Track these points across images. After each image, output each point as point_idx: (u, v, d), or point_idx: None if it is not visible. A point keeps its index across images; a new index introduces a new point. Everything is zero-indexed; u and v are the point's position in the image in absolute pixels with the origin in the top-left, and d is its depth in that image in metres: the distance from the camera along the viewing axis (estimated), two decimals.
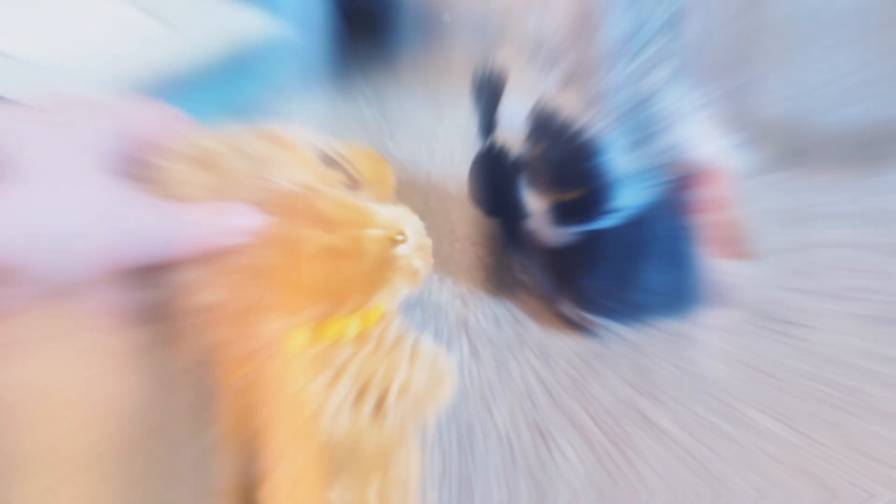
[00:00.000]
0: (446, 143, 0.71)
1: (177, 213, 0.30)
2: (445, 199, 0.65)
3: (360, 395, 0.36)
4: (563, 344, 0.53)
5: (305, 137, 0.34)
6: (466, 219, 0.63)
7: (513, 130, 0.43)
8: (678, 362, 0.51)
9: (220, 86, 0.68)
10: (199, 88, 0.66)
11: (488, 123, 0.45)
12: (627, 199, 0.43)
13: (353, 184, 0.36)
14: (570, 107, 0.40)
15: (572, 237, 0.49)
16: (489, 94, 0.43)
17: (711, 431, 0.46)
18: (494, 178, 0.45)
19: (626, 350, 0.52)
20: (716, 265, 0.54)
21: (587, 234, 0.48)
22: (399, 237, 0.32)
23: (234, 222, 0.30)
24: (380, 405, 0.36)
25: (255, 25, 0.70)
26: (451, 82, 0.78)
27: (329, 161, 0.35)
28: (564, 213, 0.44)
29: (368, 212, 0.32)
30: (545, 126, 0.41)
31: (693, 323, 0.53)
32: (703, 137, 0.40)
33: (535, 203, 0.45)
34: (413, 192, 0.66)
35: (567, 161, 0.41)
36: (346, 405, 0.35)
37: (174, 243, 0.29)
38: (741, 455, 0.45)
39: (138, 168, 0.31)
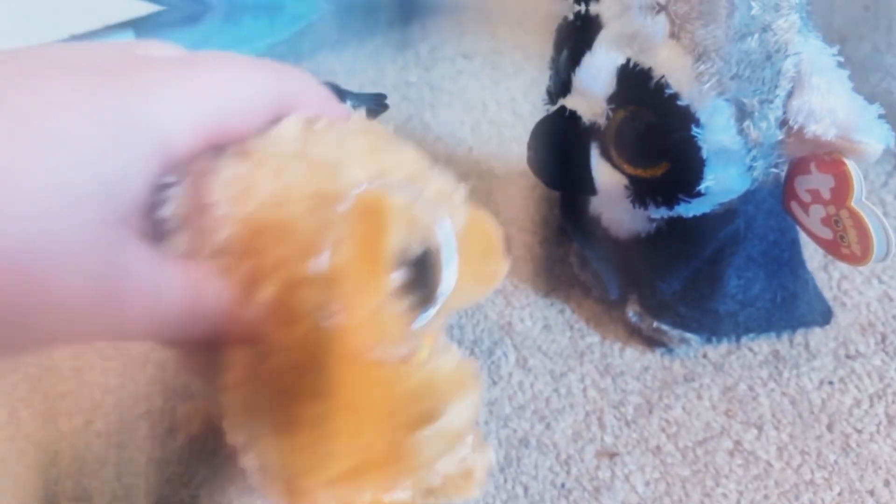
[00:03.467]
0: (496, 116, 0.67)
1: (183, 286, 0.25)
2: (489, 178, 0.62)
3: None
4: (632, 359, 0.49)
5: (413, 209, 0.28)
6: (513, 201, 0.60)
7: (592, 92, 0.39)
8: (777, 387, 0.47)
9: (246, 24, 0.66)
10: (216, 25, 0.63)
11: (563, 83, 0.41)
12: (724, 182, 0.38)
13: (427, 302, 0.29)
14: (670, 64, 0.35)
15: (649, 225, 0.45)
16: (573, 47, 0.39)
17: (820, 464, 0.43)
18: (560, 146, 0.40)
19: (710, 371, 0.48)
20: (829, 272, 0.50)
21: (668, 222, 0.44)
22: (430, 421, 0.27)
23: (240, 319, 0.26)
24: None
25: None
26: (519, 44, 0.74)
27: (414, 275, 0.29)
28: (643, 192, 0.40)
29: (405, 391, 0.27)
30: (635, 86, 0.36)
31: (795, 343, 0.49)
32: (832, 108, 0.34)
33: (606, 177, 0.40)
34: (451, 168, 0.62)
35: (655, 129, 0.37)
36: None
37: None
38: (853, 492, 0.42)
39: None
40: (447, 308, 0.31)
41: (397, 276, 0.27)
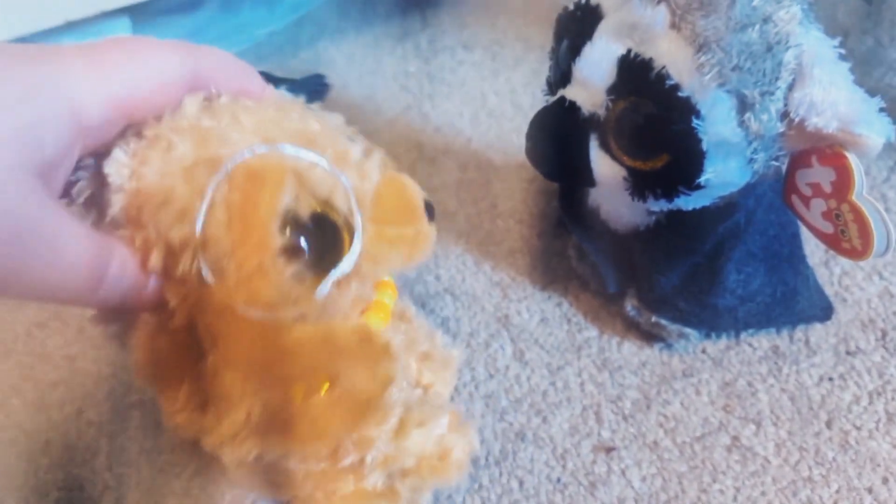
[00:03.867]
0: (495, 108, 0.67)
1: (93, 252, 0.26)
2: (487, 169, 0.62)
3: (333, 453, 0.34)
4: (630, 354, 0.49)
5: (309, 172, 0.29)
6: (511, 193, 0.60)
7: (592, 82, 0.38)
8: (777, 383, 0.47)
9: (244, 13, 0.65)
10: (214, 13, 0.63)
11: (563, 74, 0.40)
12: (724, 175, 0.38)
13: (329, 263, 0.30)
14: (670, 55, 0.35)
15: (648, 218, 0.45)
16: (574, 37, 0.39)
17: (818, 461, 0.44)
18: (560, 136, 0.40)
19: (709, 366, 0.48)
20: (829, 268, 0.50)
21: (667, 216, 0.44)
22: (315, 389, 0.27)
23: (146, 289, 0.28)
24: (356, 468, 0.35)
25: None
26: (519, 35, 0.74)
27: (312, 235, 0.29)
28: (642, 184, 0.39)
29: (286, 347, 0.27)
30: (635, 77, 0.36)
31: (795, 339, 0.49)
32: (834, 101, 0.34)
33: (605, 169, 0.40)
34: (449, 159, 0.63)
35: (655, 120, 0.36)
36: None
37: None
38: (850, 489, 0.42)
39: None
40: (368, 272, 0.32)
41: (286, 239, 0.28)
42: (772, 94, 0.35)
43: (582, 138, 0.40)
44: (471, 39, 0.74)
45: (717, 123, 0.35)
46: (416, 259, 0.35)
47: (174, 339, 0.28)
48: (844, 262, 0.51)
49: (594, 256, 0.49)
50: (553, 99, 0.41)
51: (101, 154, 0.28)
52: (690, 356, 0.48)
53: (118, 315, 0.30)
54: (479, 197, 0.59)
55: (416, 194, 0.35)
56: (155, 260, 0.27)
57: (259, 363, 0.27)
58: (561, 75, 0.41)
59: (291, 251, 0.28)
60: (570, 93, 0.40)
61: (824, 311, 0.48)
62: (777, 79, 0.35)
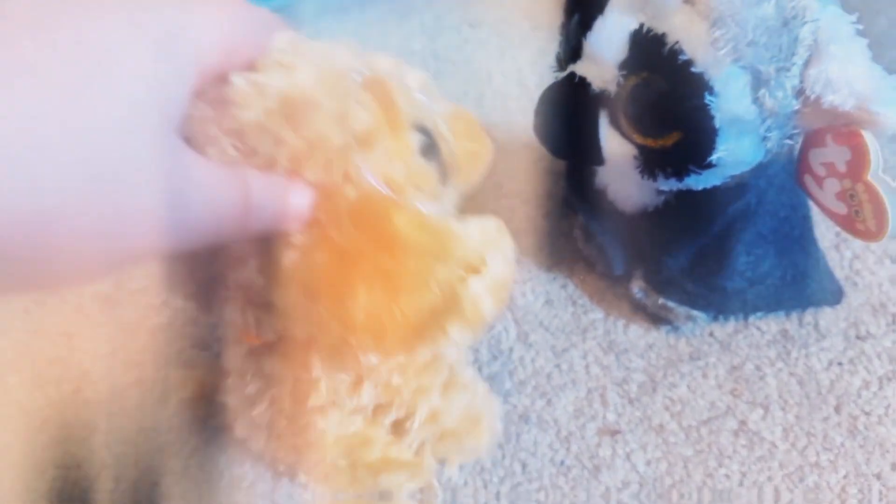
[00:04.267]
0: (501, 87, 0.67)
1: (237, 186, 0.26)
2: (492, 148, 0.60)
3: (382, 407, 0.36)
4: (636, 336, 0.49)
5: (410, 92, 0.31)
6: (517, 173, 0.59)
7: (603, 58, 0.38)
8: (785, 367, 0.47)
9: None
10: None
11: (573, 49, 0.40)
12: (736, 153, 0.37)
13: (444, 175, 0.33)
14: (684, 29, 0.35)
15: (656, 198, 0.44)
16: (585, 11, 0.39)
17: (826, 446, 0.43)
18: (568, 113, 0.40)
19: (716, 350, 0.48)
20: (840, 252, 0.50)
21: (676, 196, 0.43)
22: (476, 271, 0.29)
23: (292, 207, 0.28)
24: (401, 424, 0.38)
25: None
26: (527, 13, 0.73)
27: (426, 148, 0.32)
28: (652, 162, 0.39)
29: (450, 238, 0.29)
30: (648, 52, 0.36)
31: (805, 323, 0.48)
32: (850, 78, 0.34)
33: (615, 147, 0.40)
34: None
35: (667, 97, 0.36)
36: (362, 411, 0.36)
37: (226, 223, 0.27)
38: (859, 475, 0.42)
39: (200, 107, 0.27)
40: (458, 183, 0.35)
41: (417, 138, 0.31)
42: (787, 70, 0.35)
43: (591, 115, 0.39)
44: (477, 17, 0.73)
45: (731, 100, 0.35)
46: (482, 173, 0.38)
47: (333, 250, 0.28)
48: (855, 245, 0.51)
49: (601, 237, 0.49)
50: (562, 75, 0.40)
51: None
52: (698, 339, 0.48)
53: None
54: (485, 177, 0.58)
55: (474, 117, 0.38)
56: (313, 171, 0.28)
57: (443, 251, 0.28)
58: (571, 51, 0.40)
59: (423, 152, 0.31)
60: (580, 68, 0.39)
61: (834, 295, 0.48)
62: (793, 55, 0.34)
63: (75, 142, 0.21)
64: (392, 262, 0.27)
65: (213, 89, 0.27)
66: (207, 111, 0.27)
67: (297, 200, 0.28)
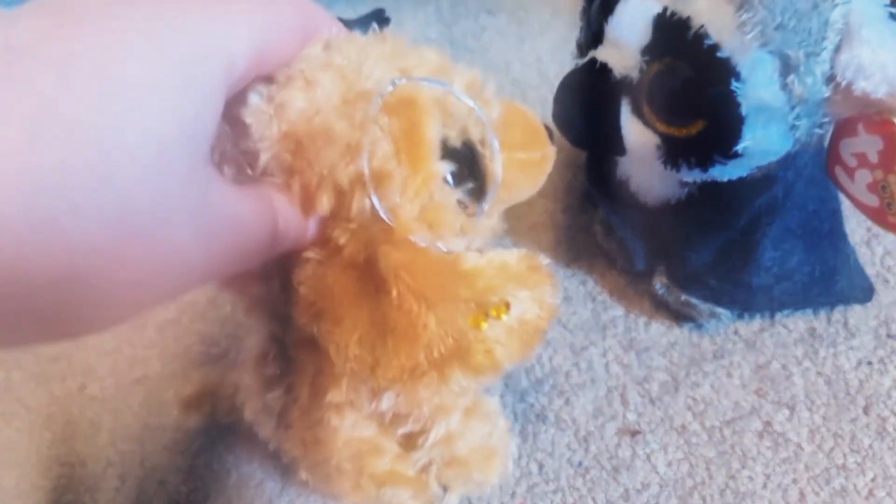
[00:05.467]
0: (520, 77, 0.67)
1: (267, 214, 0.26)
2: None
3: (399, 417, 0.35)
4: (658, 334, 0.49)
5: (447, 102, 0.30)
6: None
7: (625, 43, 0.38)
8: (812, 366, 0.46)
9: None
10: None
11: (594, 34, 0.40)
12: (763, 143, 0.37)
13: (483, 194, 0.31)
14: (710, 13, 0.35)
15: (680, 190, 0.44)
16: None
17: (853, 448, 0.43)
18: (589, 100, 0.40)
19: (741, 348, 0.48)
20: (871, 247, 0.50)
21: (701, 188, 0.43)
22: (494, 314, 0.28)
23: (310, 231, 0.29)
24: (413, 438, 0.37)
25: None
26: (548, 0, 0.73)
27: (464, 167, 0.30)
28: (675, 152, 0.39)
29: (456, 278, 0.28)
30: (671, 37, 0.36)
31: (833, 321, 0.48)
32: (883, 63, 0.33)
33: (637, 136, 0.40)
34: None
35: (692, 83, 0.36)
36: (378, 417, 0.35)
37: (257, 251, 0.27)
38: (887, 478, 0.42)
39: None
40: (502, 201, 0.33)
41: (444, 167, 0.29)
42: (817, 55, 0.34)
43: (613, 102, 0.39)
44: (495, 4, 0.73)
45: (758, 87, 0.35)
46: (541, 183, 0.37)
47: (345, 275, 0.28)
48: (887, 241, 0.51)
49: (621, 231, 0.49)
50: (583, 61, 0.40)
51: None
52: (722, 337, 0.48)
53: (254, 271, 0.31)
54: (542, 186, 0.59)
55: (537, 120, 0.36)
56: (325, 202, 0.27)
57: (441, 293, 0.27)
58: (592, 36, 0.40)
59: (452, 179, 0.29)
60: (602, 54, 0.39)
61: (864, 292, 0.48)
62: (823, 39, 0.34)
63: (105, 194, 0.20)
64: (385, 301, 0.26)
65: (235, 104, 0.27)
66: (225, 128, 0.27)
67: (312, 225, 0.28)
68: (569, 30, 0.44)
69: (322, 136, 0.27)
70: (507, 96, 0.63)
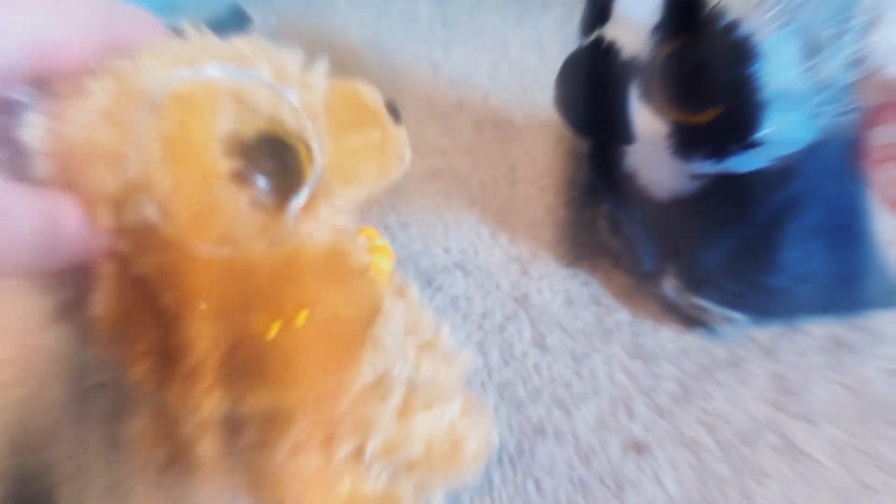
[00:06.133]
0: (518, 59, 0.66)
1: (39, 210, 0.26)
2: (506, 127, 0.61)
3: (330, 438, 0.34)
4: (667, 340, 0.48)
5: (246, 93, 0.29)
6: (534, 156, 0.58)
7: (635, 20, 0.37)
8: (835, 376, 0.45)
9: None
10: None
11: (601, 10, 0.39)
12: (784, 131, 0.36)
13: (298, 188, 0.30)
14: None
15: (692, 184, 0.43)
16: None
17: (880, 466, 0.42)
18: (595, 83, 0.39)
19: (757, 356, 0.47)
20: None
21: (715, 181, 0.42)
22: (286, 320, 0.27)
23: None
24: (358, 452, 0.35)
25: None
26: None
27: (273, 158, 0.29)
28: (688, 141, 0.38)
29: (250, 276, 0.27)
30: (686, 14, 0.35)
31: (858, 327, 0.47)
32: None
33: (647, 123, 0.39)
34: (463, 116, 0.62)
35: (707, 66, 0.35)
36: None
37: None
38: None
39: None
40: (340, 192, 0.32)
41: (229, 165, 0.28)
42: (844, 35, 0.34)
43: (620, 85, 0.39)
44: None
45: (780, 70, 0.34)
46: (392, 169, 0.34)
47: (135, 289, 0.27)
48: None
49: (629, 228, 0.48)
50: (588, 40, 0.40)
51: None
52: (736, 344, 0.47)
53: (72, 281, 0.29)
54: (497, 160, 0.58)
55: (372, 96, 0.34)
56: (103, 216, 0.27)
57: (223, 301, 0.26)
58: (599, 12, 0.40)
59: (243, 178, 0.28)
60: (609, 32, 0.39)
61: (892, 297, 0.47)
62: (850, 19, 0.33)
63: None
64: (165, 313, 0.27)
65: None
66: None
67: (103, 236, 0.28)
68: (571, 8, 0.44)
69: (85, 149, 0.26)
70: (503, 80, 0.63)
